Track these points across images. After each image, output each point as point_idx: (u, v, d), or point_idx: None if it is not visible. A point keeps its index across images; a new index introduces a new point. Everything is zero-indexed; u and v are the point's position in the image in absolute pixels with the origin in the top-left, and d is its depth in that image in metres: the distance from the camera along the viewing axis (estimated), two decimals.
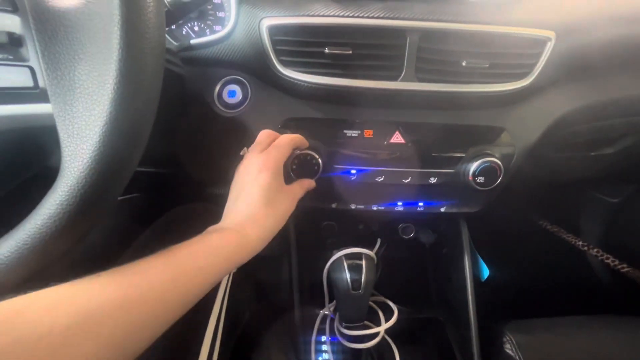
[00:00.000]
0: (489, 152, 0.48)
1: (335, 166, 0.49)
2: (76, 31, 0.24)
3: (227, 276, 0.55)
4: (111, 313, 0.22)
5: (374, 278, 0.56)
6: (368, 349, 0.59)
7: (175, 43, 0.44)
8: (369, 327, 0.58)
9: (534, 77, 0.44)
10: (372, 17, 0.41)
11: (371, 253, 0.58)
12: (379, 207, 0.53)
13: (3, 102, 0.26)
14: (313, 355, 0.62)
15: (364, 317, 0.57)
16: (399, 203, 0.53)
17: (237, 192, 0.38)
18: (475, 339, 0.57)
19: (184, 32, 0.47)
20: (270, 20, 0.41)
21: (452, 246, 0.65)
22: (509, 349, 0.52)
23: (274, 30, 0.42)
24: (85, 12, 0.24)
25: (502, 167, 0.47)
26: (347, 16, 0.41)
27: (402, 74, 0.42)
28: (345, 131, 0.47)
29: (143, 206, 0.61)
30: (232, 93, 0.46)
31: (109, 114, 0.23)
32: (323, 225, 0.63)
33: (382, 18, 0.41)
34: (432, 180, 0.50)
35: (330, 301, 0.64)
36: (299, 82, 0.43)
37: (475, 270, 0.62)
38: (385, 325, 0.58)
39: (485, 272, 0.62)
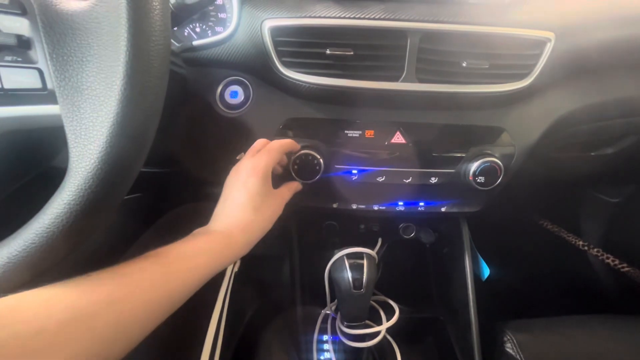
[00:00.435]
0: (489, 152, 0.49)
1: (337, 166, 0.49)
2: (84, 34, 0.24)
3: (228, 275, 0.56)
4: (100, 311, 0.23)
5: (375, 277, 0.56)
6: (369, 348, 0.60)
7: (177, 44, 0.45)
8: (370, 326, 0.58)
9: (533, 77, 0.45)
10: (373, 19, 0.41)
11: (372, 252, 0.58)
12: (380, 207, 0.53)
13: (12, 103, 0.26)
14: (315, 354, 0.62)
15: (365, 316, 0.58)
16: (400, 203, 0.53)
17: (226, 196, 0.39)
18: (476, 338, 0.58)
19: (186, 33, 0.48)
20: (272, 21, 0.42)
21: (452, 246, 0.65)
22: (509, 348, 0.52)
23: (276, 32, 0.42)
24: (92, 15, 0.24)
25: (502, 167, 0.47)
26: (349, 17, 0.41)
27: (403, 75, 0.43)
28: (346, 131, 0.47)
29: (145, 206, 0.62)
30: (234, 94, 0.46)
31: (116, 115, 0.23)
32: (324, 225, 0.64)
33: (383, 19, 0.41)
34: (433, 180, 0.50)
35: (332, 300, 0.64)
36: (301, 83, 0.43)
37: (476, 269, 0.62)
38: (386, 325, 0.58)
39: (486, 272, 0.63)
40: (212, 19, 0.47)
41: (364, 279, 0.54)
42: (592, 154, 0.60)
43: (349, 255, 0.56)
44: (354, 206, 0.53)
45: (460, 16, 0.42)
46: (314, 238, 0.65)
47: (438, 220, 0.67)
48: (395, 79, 0.43)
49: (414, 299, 0.73)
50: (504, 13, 0.44)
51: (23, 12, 0.25)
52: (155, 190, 0.63)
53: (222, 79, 0.46)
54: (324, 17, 0.41)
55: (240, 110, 0.47)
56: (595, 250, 0.77)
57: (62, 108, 0.24)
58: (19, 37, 0.25)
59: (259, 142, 0.44)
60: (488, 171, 0.47)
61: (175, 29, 0.47)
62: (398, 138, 0.48)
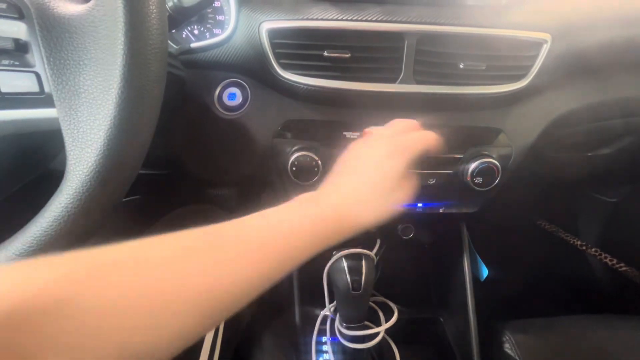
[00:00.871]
0: (486, 152, 0.49)
1: None
2: (81, 37, 0.24)
3: None
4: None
5: (374, 278, 0.56)
6: (368, 349, 0.60)
7: (175, 46, 0.45)
8: (369, 327, 0.58)
9: (530, 78, 0.45)
10: (371, 21, 0.41)
11: (371, 253, 0.58)
12: None
13: (9, 107, 0.26)
14: (314, 356, 0.62)
15: (364, 318, 0.58)
16: None
17: (352, 171, 0.34)
18: (474, 339, 0.58)
19: (183, 36, 0.48)
20: (269, 23, 0.42)
21: (451, 246, 0.65)
22: (508, 348, 0.52)
23: (274, 34, 0.42)
24: (89, 18, 0.24)
25: (500, 168, 0.48)
26: (346, 20, 0.41)
27: (400, 77, 0.43)
28: (344, 133, 0.47)
29: (144, 208, 0.62)
30: (232, 96, 0.46)
31: (113, 118, 0.23)
32: None
33: (380, 21, 0.41)
34: (431, 181, 0.50)
35: (331, 302, 0.64)
36: (299, 85, 0.43)
37: (475, 270, 0.63)
38: (385, 325, 0.58)
39: (485, 272, 0.63)
40: (210, 21, 0.47)
41: (363, 280, 0.54)
42: (590, 154, 0.61)
43: (347, 257, 0.56)
44: None
45: (457, 18, 0.42)
46: None
47: (437, 221, 0.67)
48: (392, 80, 0.43)
49: (412, 300, 0.73)
50: (501, 15, 0.44)
51: (20, 15, 0.25)
52: (155, 193, 0.63)
53: (220, 81, 0.46)
54: (321, 20, 0.41)
55: (239, 112, 0.47)
56: (593, 250, 0.78)
57: (60, 111, 0.25)
58: (16, 41, 0.25)
59: (402, 122, 0.38)
60: (486, 172, 0.47)
61: (174, 31, 0.47)
62: None
